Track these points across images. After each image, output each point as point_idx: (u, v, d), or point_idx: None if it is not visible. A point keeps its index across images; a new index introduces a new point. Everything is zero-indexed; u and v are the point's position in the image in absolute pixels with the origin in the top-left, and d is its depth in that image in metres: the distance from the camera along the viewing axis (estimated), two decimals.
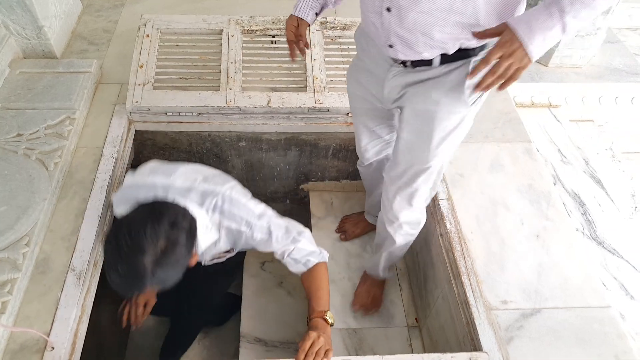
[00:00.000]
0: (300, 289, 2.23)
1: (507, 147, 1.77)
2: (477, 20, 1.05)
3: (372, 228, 1.97)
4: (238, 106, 1.76)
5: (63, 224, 1.42)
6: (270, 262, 2.32)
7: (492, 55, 0.99)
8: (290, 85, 1.87)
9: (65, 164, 1.56)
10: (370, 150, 1.63)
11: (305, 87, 1.86)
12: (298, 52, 1.40)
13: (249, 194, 1.45)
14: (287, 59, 1.87)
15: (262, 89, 1.82)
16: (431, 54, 1.15)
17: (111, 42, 2.15)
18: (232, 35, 1.96)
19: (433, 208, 1.64)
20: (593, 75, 2.13)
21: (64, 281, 1.29)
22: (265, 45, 1.98)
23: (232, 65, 1.86)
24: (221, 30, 1.98)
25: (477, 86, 1.05)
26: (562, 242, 1.51)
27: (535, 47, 0.97)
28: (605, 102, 2.12)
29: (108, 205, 1.51)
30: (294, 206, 2.37)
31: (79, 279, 1.30)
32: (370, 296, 1.85)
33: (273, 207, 2.32)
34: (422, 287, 1.79)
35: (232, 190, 1.34)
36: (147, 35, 1.92)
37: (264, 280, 2.25)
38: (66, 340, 1.19)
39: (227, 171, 2.10)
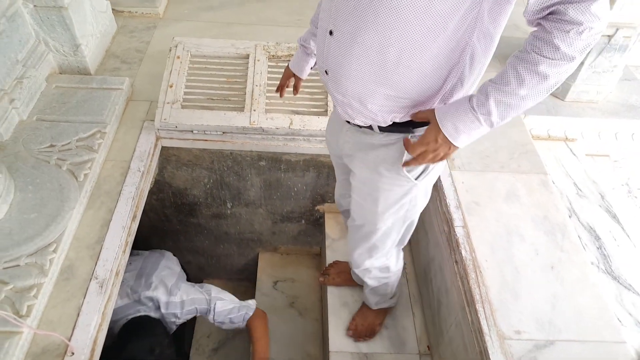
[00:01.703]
0: (311, 309, 2.25)
1: (523, 178, 1.80)
2: (406, 94, 1.06)
3: (354, 284, 1.94)
4: (261, 127, 1.82)
5: (89, 233, 1.48)
6: (283, 281, 2.35)
7: (416, 151, 1.04)
8: (312, 109, 1.93)
9: (94, 175, 1.62)
10: (343, 198, 1.67)
11: (326, 111, 1.92)
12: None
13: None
14: (310, 84, 1.96)
15: (285, 112, 1.89)
16: (364, 122, 1.17)
17: (142, 61, 2.24)
18: (259, 60, 2.04)
19: (448, 234, 1.66)
20: (609, 111, 2.15)
21: (87, 289, 1.33)
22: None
23: (257, 88, 1.93)
24: (248, 55, 2.06)
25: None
26: (576, 274, 1.52)
27: (461, 143, 1.00)
28: (621, 138, 2.14)
29: (132, 216, 1.56)
30: (309, 227, 2.40)
31: (101, 287, 1.34)
32: (365, 323, 1.84)
33: (288, 227, 2.39)
34: (435, 314, 1.79)
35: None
36: (178, 57, 2.00)
37: (276, 299, 2.27)
38: (86, 346, 1.22)
39: (245, 189, 2.17)
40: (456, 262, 1.59)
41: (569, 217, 1.71)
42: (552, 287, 1.48)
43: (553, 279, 1.50)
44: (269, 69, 2.03)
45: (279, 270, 2.36)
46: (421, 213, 1.69)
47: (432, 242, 1.85)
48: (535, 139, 2.02)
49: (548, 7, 0.88)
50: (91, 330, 1.25)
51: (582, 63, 2.04)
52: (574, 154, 2.00)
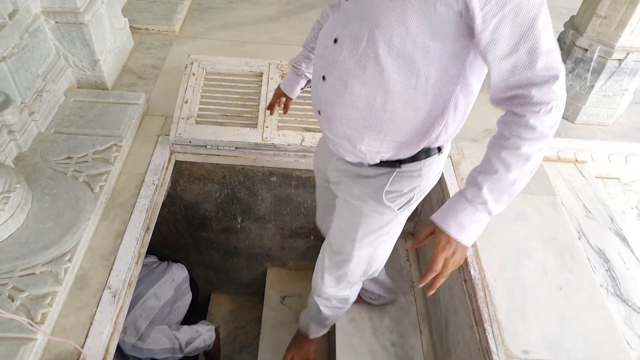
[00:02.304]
0: None
1: (532, 198, 1.81)
2: (394, 138, 1.09)
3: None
4: (273, 143, 1.86)
5: (103, 243, 1.50)
6: (290, 297, 2.36)
7: (437, 264, 1.02)
8: None
9: (109, 187, 1.66)
10: (324, 223, 1.70)
11: None
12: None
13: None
14: None
15: (297, 129, 1.92)
16: (354, 160, 1.22)
17: (158, 77, 2.30)
18: (272, 78, 2.08)
19: None
20: (620, 134, 2.16)
21: (100, 298, 1.35)
22: (302, 89, 2.09)
23: None
24: (262, 73, 2.11)
25: (430, 287, 1.05)
26: (585, 296, 1.52)
27: (470, 239, 1.02)
28: (632, 161, 2.14)
29: (146, 228, 1.59)
30: (318, 243, 2.40)
31: (114, 297, 1.36)
32: (301, 353, 1.84)
33: (297, 243, 2.40)
34: (442, 332, 1.79)
35: None
36: (194, 74, 2.06)
37: (283, 314, 2.28)
38: (98, 354, 1.24)
39: (256, 204, 2.19)
40: (465, 280, 1.59)
41: (578, 238, 1.72)
42: (560, 308, 1.48)
43: (562, 299, 1.50)
44: None
45: (287, 286, 2.36)
46: None
47: None
48: (545, 160, 2.03)
49: (512, 88, 0.92)
50: (103, 339, 1.27)
51: (592, 86, 2.06)
52: (584, 176, 2.01)
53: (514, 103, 0.93)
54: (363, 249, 1.37)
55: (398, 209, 1.25)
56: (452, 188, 1.81)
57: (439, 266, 1.02)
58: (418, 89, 0.99)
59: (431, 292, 1.05)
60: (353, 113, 1.08)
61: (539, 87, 0.88)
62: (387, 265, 2.12)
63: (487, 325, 1.43)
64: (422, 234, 1.07)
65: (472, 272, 1.56)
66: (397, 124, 1.06)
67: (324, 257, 1.51)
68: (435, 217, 1.04)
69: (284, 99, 1.56)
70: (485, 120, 2.14)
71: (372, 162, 1.18)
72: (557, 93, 0.89)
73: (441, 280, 1.04)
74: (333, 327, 1.91)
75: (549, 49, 0.88)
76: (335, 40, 1.04)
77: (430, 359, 1.85)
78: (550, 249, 1.64)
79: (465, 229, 1.00)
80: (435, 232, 1.04)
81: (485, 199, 0.97)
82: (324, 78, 1.10)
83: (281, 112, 1.61)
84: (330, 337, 2.04)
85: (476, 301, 1.49)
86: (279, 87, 1.56)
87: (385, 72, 0.98)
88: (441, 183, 1.87)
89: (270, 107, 1.59)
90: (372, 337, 1.89)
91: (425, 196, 2.05)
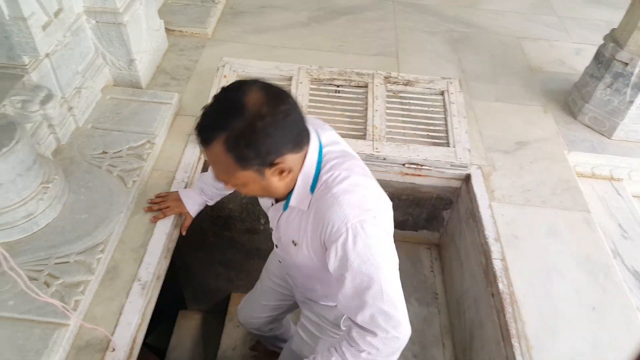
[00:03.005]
0: None
1: (565, 215, 1.76)
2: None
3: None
4: None
5: (134, 236, 1.54)
6: None
7: None
8: (351, 132, 1.97)
9: (142, 182, 1.70)
10: (255, 319, 1.74)
11: (365, 134, 1.96)
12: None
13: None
14: (350, 107, 2.01)
15: None
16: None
17: (190, 78, 2.34)
18: (301, 82, 2.11)
19: (485, 267, 1.65)
20: None
21: (130, 289, 1.38)
22: (330, 94, 2.12)
23: None
24: (291, 77, 2.13)
25: None
26: (620, 318, 1.47)
27: None
28: None
29: (175, 224, 1.62)
30: None
31: (144, 288, 1.39)
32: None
33: None
34: (467, 346, 1.76)
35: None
36: (225, 76, 2.09)
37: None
38: (126, 344, 1.26)
39: None
40: (492, 295, 1.57)
41: (613, 258, 1.67)
42: (592, 329, 1.44)
43: (594, 320, 1.46)
44: (311, 91, 2.09)
45: None
46: (457, 243, 1.68)
47: (468, 274, 1.83)
48: (579, 176, 1.98)
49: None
50: (132, 329, 1.30)
51: (631, 102, 2.02)
52: (620, 194, 1.96)
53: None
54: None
55: None
56: (482, 200, 1.79)
57: None
58: (323, 272, 1.10)
59: None
60: (300, 274, 1.33)
61: (358, 329, 1.07)
62: (412, 276, 2.11)
63: (514, 342, 1.40)
64: None
65: (501, 286, 1.53)
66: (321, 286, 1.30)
67: (289, 352, 1.62)
68: None
69: (174, 211, 1.59)
70: (518, 132, 2.12)
71: (324, 303, 1.37)
72: (372, 344, 1.05)
73: None
74: None
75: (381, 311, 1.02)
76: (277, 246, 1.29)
77: None
78: (583, 267, 1.60)
79: None
80: None
81: None
82: (276, 246, 1.29)
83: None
84: None
85: (504, 316, 1.46)
86: (178, 203, 1.57)
87: (298, 263, 1.20)
88: (470, 195, 1.85)
89: (150, 207, 1.61)
90: None
91: (454, 208, 2.03)
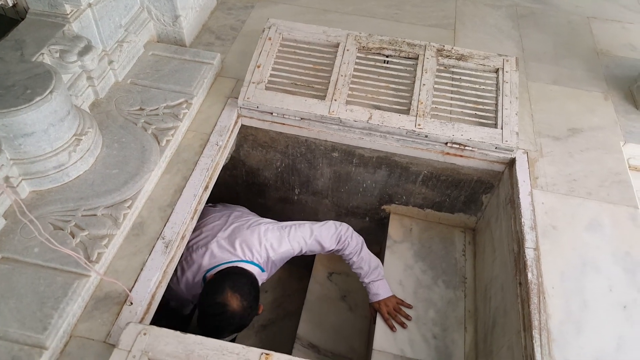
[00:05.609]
0: (361, 306, 2.21)
1: (610, 208, 1.64)
2: None
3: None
4: (339, 117, 1.80)
5: (162, 195, 1.54)
6: (338, 274, 2.33)
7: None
8: (394, 106, 1.87)
9: (175, 142, 1.69)
10: None
11: (409, 110, 1.85)
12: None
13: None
14: (396, 79, 1.90)
15: (365, 105, 1.85)
16: None
17: (236, 39, 2.30)
18: (348, 50, 2.01)
19: (517, 255, 1.55)
20: None
21: (153, 247, 1.40)
22: (378, 64, 2.01)
23: (341, 78, 1.91)
24: (338, 44, 2.04)
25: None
26: None
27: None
28: None
29: (205, 187, 1.61)
30: (372, 225, 2.36)
31: (167, 247, 1.40)
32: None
33: (351, 222, 2.35)
34: (488, 332, 1.69)
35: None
36: (270, 38, 2.03)
37: (329, 290, 2.26)
38: (144, 299, 1.28)
39: (315, 178, 2.16)
40: (520, 284, 1.49)
41: None
42: (620, 328, 1.35)
43: (623, 319, 1.37)
44: (357, 60, 1.99)
45: (335, 263, 2.34)
46: (492, 229, 1.58)
47: (499, 260, 1.74)
48: (632, 169, 1.84)
49: None
50: (151, 285, 1.31)
51: None
52: None
53: None
54: None
55: None
56: (523, 186, 1.67)
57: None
58: None
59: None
60: None
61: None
62: (442, 258, 2.04)
63: (535, 333, 1.32)
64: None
65: (530, 276, 1.44)
66: None
67: None
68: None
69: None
70: (573, 118, 1.96)
71: None
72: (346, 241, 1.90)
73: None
74: (375, 312, 1.87)
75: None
76: None
77: (470, 357, 1.76)
78: (621, 264, 1.49)
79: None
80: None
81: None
82: None
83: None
84: (370, 322, 2.00)
85: (528, 306, 1.39)
86: None
87: None
88: (512, 180, 1.74)
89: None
90: (414, 326, 1.83)
91: (494, 193, 1.93)
